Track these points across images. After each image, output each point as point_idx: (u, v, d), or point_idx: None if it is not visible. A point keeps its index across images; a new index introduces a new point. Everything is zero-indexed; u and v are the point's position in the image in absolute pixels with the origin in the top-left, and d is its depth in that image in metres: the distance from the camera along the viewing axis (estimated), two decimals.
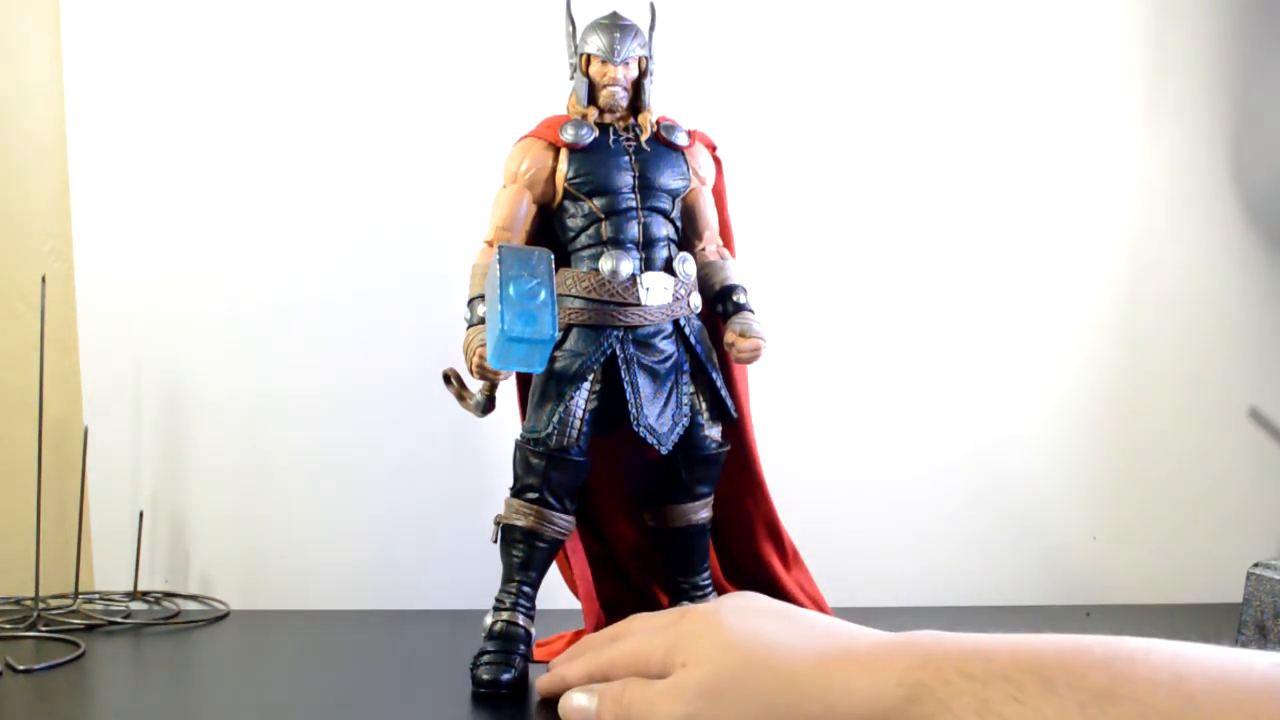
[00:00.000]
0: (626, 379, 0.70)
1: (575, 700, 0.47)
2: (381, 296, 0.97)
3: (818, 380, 1.02)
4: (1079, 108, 1.05)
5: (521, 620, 0.69)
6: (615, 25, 0.73)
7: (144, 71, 0.96)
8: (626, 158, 0.72)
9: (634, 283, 0.71)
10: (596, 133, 0.72)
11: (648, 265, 0.72)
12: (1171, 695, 0.26)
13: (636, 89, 0.74)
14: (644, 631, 0.45)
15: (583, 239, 0.72)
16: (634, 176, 0.72)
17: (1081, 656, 0.28)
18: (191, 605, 0.93)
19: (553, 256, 0.66)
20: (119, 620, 0.86)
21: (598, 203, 0.71)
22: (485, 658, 0.67)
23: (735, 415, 0.75)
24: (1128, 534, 1.06)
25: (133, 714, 0.65)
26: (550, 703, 0.57)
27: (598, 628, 0.76)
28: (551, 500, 0.70)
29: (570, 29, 0.74)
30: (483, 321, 0.68)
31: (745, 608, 0.41)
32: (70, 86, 0.96)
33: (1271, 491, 1.08)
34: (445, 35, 0.98)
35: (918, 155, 1.03)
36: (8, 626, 0.82)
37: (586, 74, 0.73)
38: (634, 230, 0.71)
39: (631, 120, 0.74)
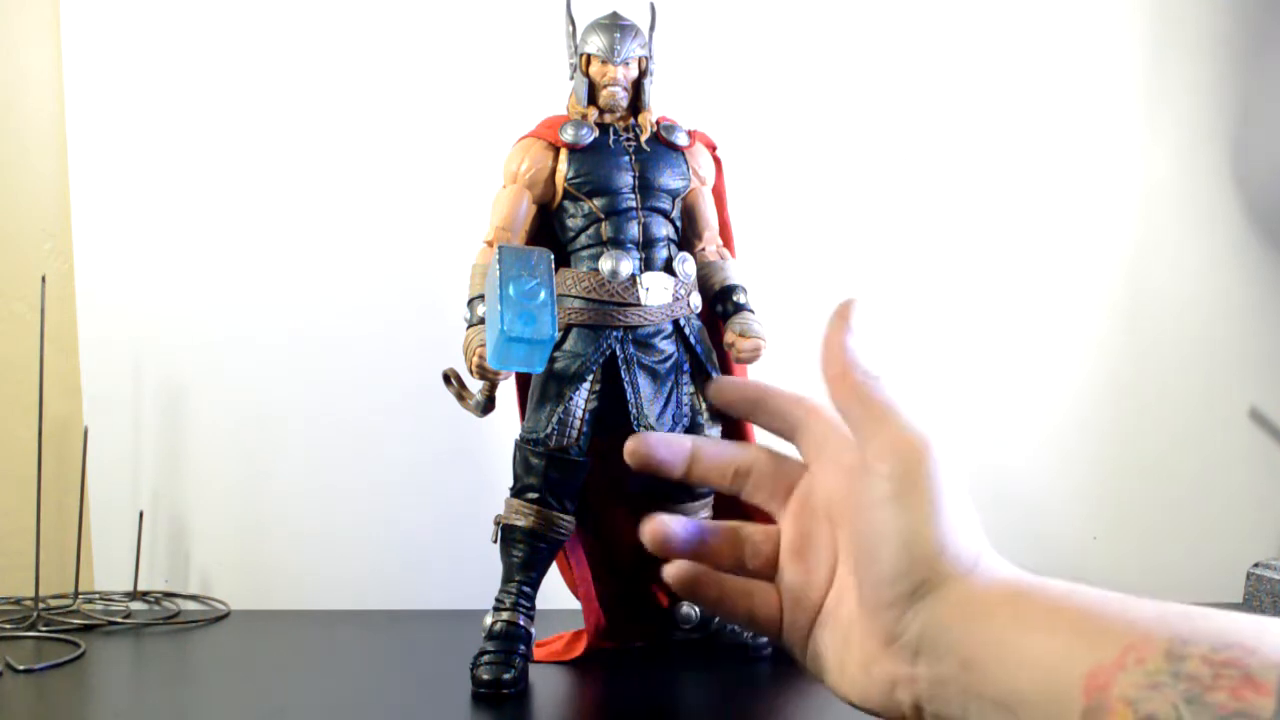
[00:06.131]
0: (627, 379, 0.70)
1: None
2: (381, 295, 0.97)
3: (818, 380, 1.01)
4: (1080, 111, 1.05)
5: (521, 620, 0.69)
6: (615, 25, 0.73)
7: (144, 72, 0.96)
8: (626, 158, 0.72)
9: (634, 283, 0.71)
10: (596, 133, 0.72)
11: (647, 265, 0.72)
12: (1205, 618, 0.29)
13: (636, 89, 0.73)
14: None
15: (582, 239, 0.72)
16: (634, 176, 0.72)
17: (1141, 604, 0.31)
18: (191, 605, 0.93)
19: (552, 256, 0.66)
20: (119, 620, 0.86)
21: (597, 203, 0.71)
22: (485, 658, 0.67)
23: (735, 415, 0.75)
24: (1128, 534, 1.06)
25: (133, 714, 0.65)
26: (549, 702, 0.57)
27: (598, 627, 0.76)
28: (551, 500, 0.70)
29: (570, 29, 0.74)
30: (482, 321, 0.68)
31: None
32: (70, 86, 0.96)
33: (1271, 491, 1.07)
34: (445, 35, 0.98)
35: (919, 159, 1.03)
36: (8, 626, 0.82)
37: (586, 74, 0.73)
38: (634, 230, 0.71)
39: (631, 120, 0.74)
